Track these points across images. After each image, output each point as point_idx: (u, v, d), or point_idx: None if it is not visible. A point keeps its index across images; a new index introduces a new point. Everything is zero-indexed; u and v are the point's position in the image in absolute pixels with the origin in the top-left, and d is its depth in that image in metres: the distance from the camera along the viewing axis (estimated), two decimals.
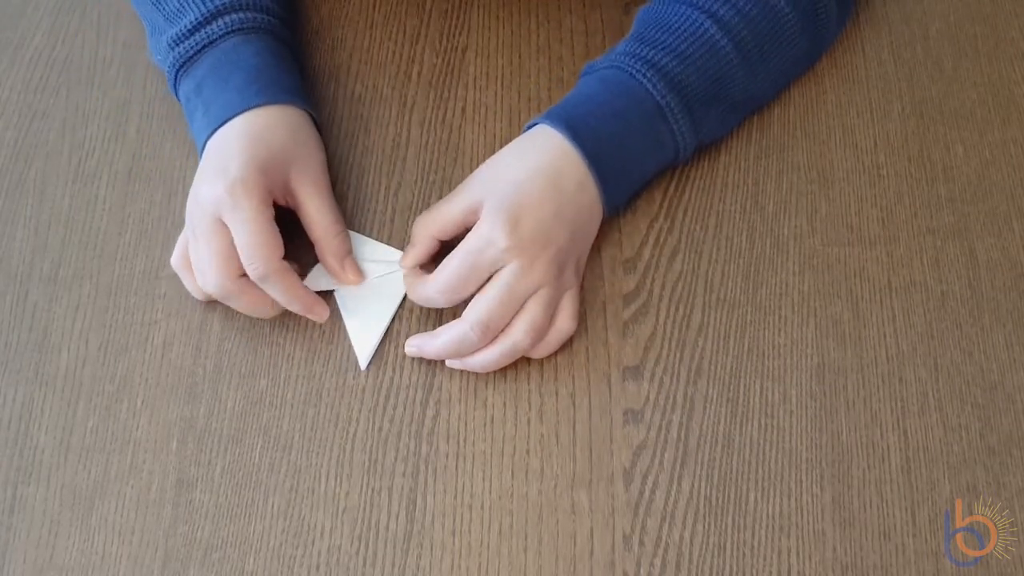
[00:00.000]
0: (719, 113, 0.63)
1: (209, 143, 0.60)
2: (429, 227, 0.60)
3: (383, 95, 0.69)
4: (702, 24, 0.61)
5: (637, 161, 0.61)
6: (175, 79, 0.64)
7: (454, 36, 0.71)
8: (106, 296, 0.63)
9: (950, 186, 0.64)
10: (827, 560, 0.54)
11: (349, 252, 0.61)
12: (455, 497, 0.56)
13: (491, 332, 0.57)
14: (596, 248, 0.63)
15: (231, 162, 0.57)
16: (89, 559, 0.56)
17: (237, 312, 0.61)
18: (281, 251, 0.57)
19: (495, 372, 0.59)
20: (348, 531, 0.56)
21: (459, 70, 0.70)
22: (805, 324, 0.60)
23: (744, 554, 0.54)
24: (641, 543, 0.55)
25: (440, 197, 0.65)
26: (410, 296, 0.60)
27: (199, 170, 0.60)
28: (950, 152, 0.65)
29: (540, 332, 0.57)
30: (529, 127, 0.61)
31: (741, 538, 0.55)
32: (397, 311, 0.61)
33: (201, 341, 0.61)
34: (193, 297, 0.62)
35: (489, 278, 0.57)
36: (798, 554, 0.54)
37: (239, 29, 0.62)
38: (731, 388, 0.58)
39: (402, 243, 0.64)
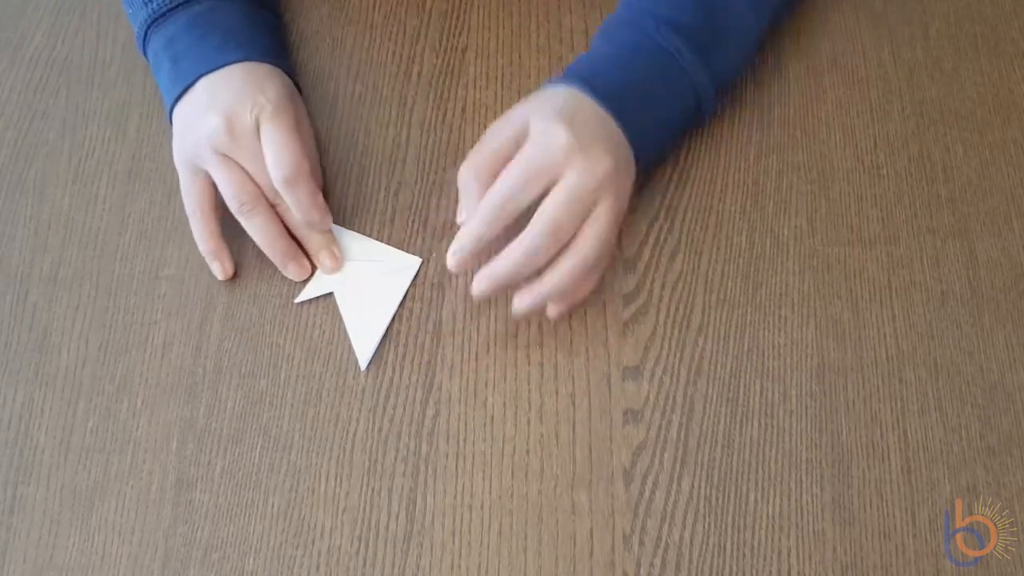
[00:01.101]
0: (732, 48, 0.63)
1: (208, 81, 0.61)
2: (480, 168, 0.56)
3: (383, 95, 0.69)
4: None
5: (656, 106, 0.60)
6: (145, 34, 0.65)
7: (454, 36, 0.71)
8: (106, 296, 0.63)
9: (950, 186, 0.64)
10: (827, 560, 0.54)
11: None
12: (455, 497, 0.56)
13: (562, 237, 0.54)
14: None
15: (266, 84, 0.61)
16: (89, 559, 0.56)
17: (237, 312, 0.62)
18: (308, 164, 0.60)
19: (495, 372, 0.59)
20: (348, 531, 0.56)
21: (459, 70, 0.70)
22: (805, 324, 0.60)
23: (744, 554, 0.54)
24: (641, 543, 0.55)
25: (440, 197, 0.65)
26: (462, 240, 0.55)
27: (201, 109, 0.60)
28: (950, 152, 0.65)
29: (608, 245, 0.56)
30: (544, 86, 0.60)
31: (741, 538, 0.55)
32: (397, 311, 0.61)
33: (201, 341, 0.61)
34: (193, 297, 0.62)
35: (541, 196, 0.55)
36: (798, 554, 0.54)
37: None
38: (731, 388, 0.58)
39: (402, 243, 0.64)
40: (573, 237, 0.55)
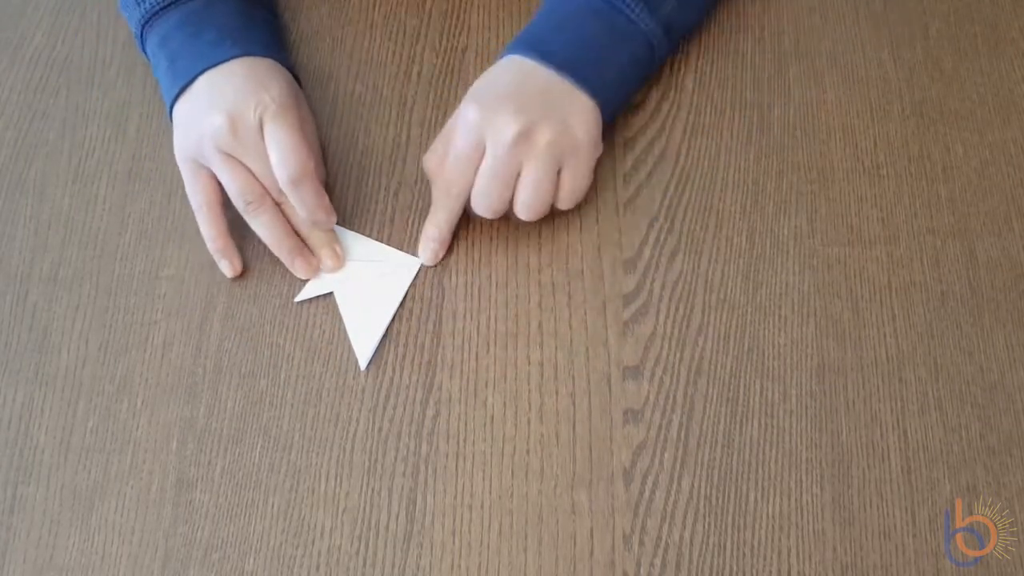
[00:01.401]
0: None
1: (209, 76, 0.61)
2: (436, 160, 0.61)
3: (383, 95, 0.69)
4: None
5: (606, 57, 0.62)
6: (141, 33, 0.65)
7: (454, 36, 0.71)
8: (106, 296, 0.63)
9: (950, 186, 0.64)
10: (827, 560, 0.54)
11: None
12: (455, 497, 0.56)
13: (496, 204, 0.60)
14: (596, 248, 0.63)
15: (269, 83, 0.60)
16: (89, 559, 0.56)
17: (237, 312, 0.62)
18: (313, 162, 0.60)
19: (495, 372, 0.59)
20: (348, 531, 0.56)
21: (459, 70, 0.70)
22: (805, 324, 0.60)
23: (744, 554, 0.54)
24: (641, 543, 0.55)
25: None
26: (427, 233, 0.62)
27: (205, 105, 0.60)
28: (950, 152, 0.65)
29: (539, 207, 0.60)
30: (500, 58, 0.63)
31: (741, 538, 0.55)
32: (397, 311, 0.61)
33: (201, 341, 0.61)
34: (193, 297, 0.62)
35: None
36: (798, 554, 0.54)
37: None
38: (731, 388, 0.58)
39: (402, 243, 0.64)
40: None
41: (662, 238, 0.63)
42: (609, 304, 0.61)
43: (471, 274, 0.63)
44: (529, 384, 0.59)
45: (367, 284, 0.62)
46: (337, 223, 0.64)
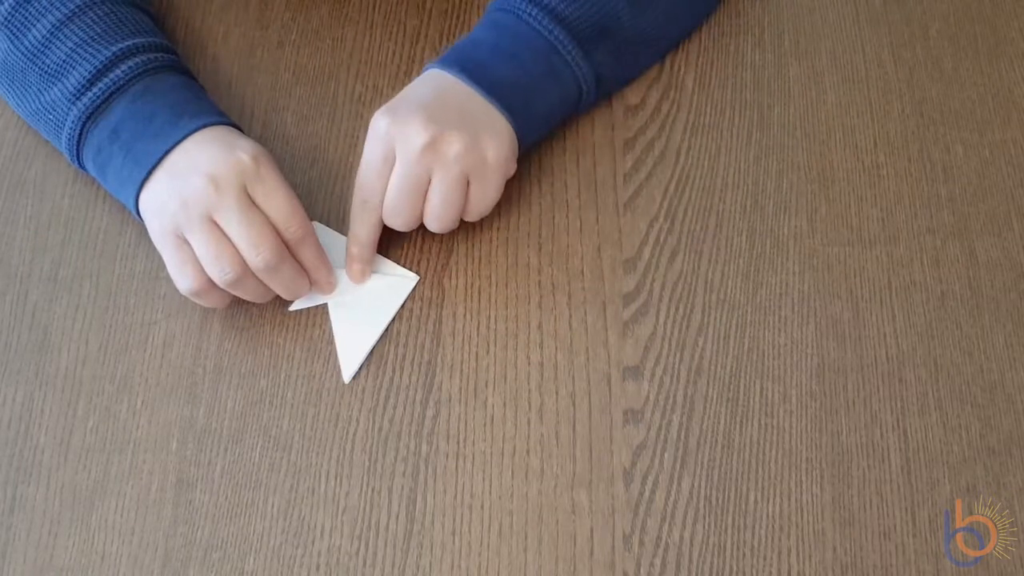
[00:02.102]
0: (612, 48, 0.64)
1: (174, 159, 0.58)
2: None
3: (383, 95, 0.69)
4: None
5: (539, 95, 0.62)
6: (80, 133, 0.61)
7: (454, 36, 0.71)
8: (106, 296, 0.63)
9: (950, 186, 0.64)
10: (827, 560, 0.54)
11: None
12: (455, 497, 0.56)
13: (407, 216, 0.60)
14: (596, 248, 0.63)
15: (238, 141, 0.58)
16: (89, 559, 0.56)
17: (237, 312, 0.62)
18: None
19: (495, 372, 0.59)
20: (348, 531, 0.56)
21: None
22: (805, 324, 0.60)
23: (744, 554, 0.54)
24: (641, 543, 0.55)
25: None
26: (350, 251, 0.61)
27: (180, 174, 0.57)
28: (950, 152, 0.65)
29: (450, 207, 0.59)
30: (425, 71, 0.62)
31: (741, 538, 0.55)
32: (388, 327, 0.61)
33: (201, 341, 0.61)
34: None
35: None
36: (798, 554, 0.54)
37: (145, 71, 0.61)
38: (731, 388, 0.58)
39: (400, 241, 0.64)
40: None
41: (662, 238, 0.63)
42: (609, 304, 0.61)
43: (471, 274, 0.63)
44: (529, 384, 0.59)
45: (361, 298, 0.62)
46: (337, 223, 0.64)
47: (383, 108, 0.59)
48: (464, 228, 0.64)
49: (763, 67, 0.69)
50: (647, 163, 0.65)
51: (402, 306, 0.62)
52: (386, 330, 0.61)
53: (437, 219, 0.60)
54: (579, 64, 0.62)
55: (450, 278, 0.63)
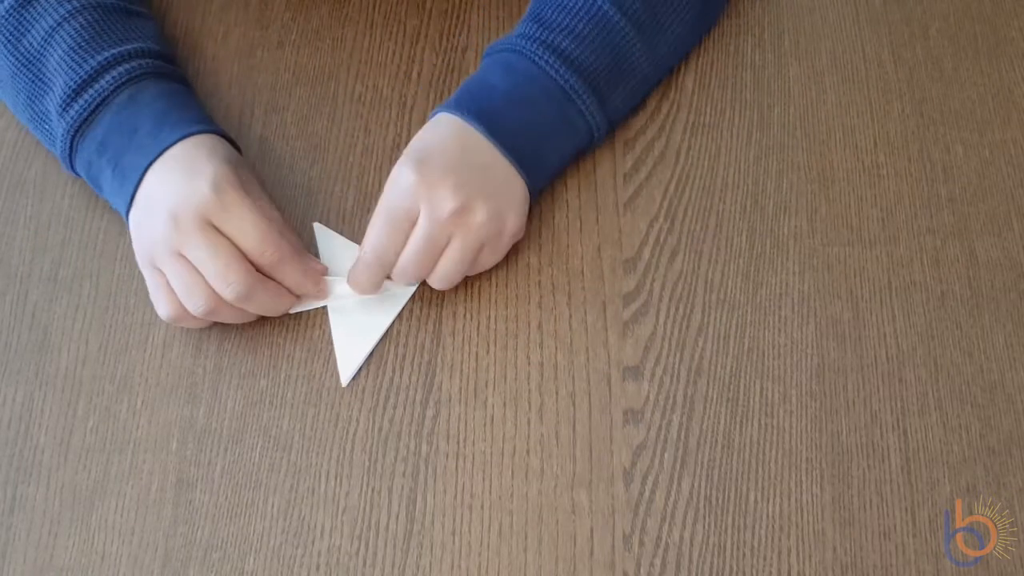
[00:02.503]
0: (626, 90, 0.63)
1: (148, 181, 0.58)
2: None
3: (383, 95, 0.69)
4: (596, 2, 0.61)
5: (552, 145, 0.61)
6: (71, 144, 0.61)
7: (454, 36, 0.71)
8: (106, 296, 0.63)
9: (950, 186, 0.64)
10: (827, 560, 0.54)
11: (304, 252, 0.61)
12: (455, 497, 0.56)
13: (420, 276, 0.59)
14: (596, 248, 0.63)
15: (200, 172, 0.56)
16: (89, 559, 0.56)
17: None
18: (282, 233, 0.58)
19: (495, 372, 0.59)
20: (348, 531, 0.56)
21: (459, 70, 0.70)
22: (805, 324, 0.60)
23: (744, 554, 0.54)
24: (641, 543, 0.55)
25: None
26: (351, 285, 0.60)
27: (146, 209, 0.58)
28: (950, 152, 0.65)
29: (456, 275, 0.59)
30: (432, 116, 0.61)
31: (741, 538, 0.55)
32: (388, 331, 0.61)
33: (201, 341, 0.61)
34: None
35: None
36: (798, 554, 0.54)
37: (128, 80, 0.61)
38: (731, 388, 0.58)
39: None
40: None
41: (662, 238, 0.63)
42: (609, 304, 0.61)
43: (469, 276, 0.63)
44: (529, 384, 0.59)
45: (361, 301, 0.62)
46: (337, 223, 0.64)
47: (411, 161, 0.57)
48: None
49: (763, 67, 0.69)
50: (647, 163, 0.65)
51: (401, 308, 0.62)
52: (385, 333, 0.61)
53: (445, 280, 0.59)
54: (593, 114, 0.61)
55: None
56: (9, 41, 0.63)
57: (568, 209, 0.64)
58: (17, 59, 0.62)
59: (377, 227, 0.58)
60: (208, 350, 0.61)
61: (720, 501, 0.56)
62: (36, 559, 0.56)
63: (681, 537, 0.55)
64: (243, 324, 0.61)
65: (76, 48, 0.61)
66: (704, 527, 0.55)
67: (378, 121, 0.68)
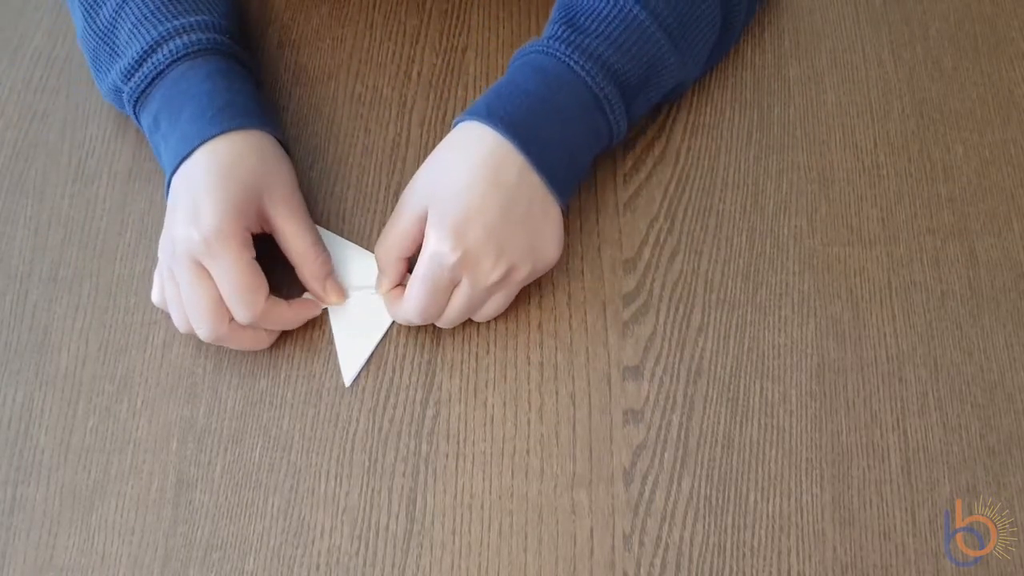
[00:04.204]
0: (647, 100, 0.62)
1: (174, 181, 0.58)
2: (390, 251, 0.58)
3: (383, 95, 0.69)
4: (631, 10, 0.58)
5: (577, 153, 0.59)
6: (135, 116, 0.62)
7: (454, 36, 0.71)
8: (106, 296, 0.63)
9: (950, 186, 0.64)
10: (827, 560, 0.54)
11: (330, 273, 0.60)
12: (455, 497, 0.56)
13: (447, 322, 0.59)
14: (596, 248, 0.63)
15: (203, 207, 0.55)
16: (89, 559, 0.56)
17: None
18: (266, 291, 0.57)
19: (495, 372, 0.59)
20: (348, 531, 0.56)
21: (459, 70, 0.70)
22: (805, 324, 0.60)
23: (744, 554, 0.54)
24: (641, 543, 0.55)
25: None
26: (393, 318, 0.60)
27: (169, 209, 0.58)
28: (950, 152, 0.65)
29: (494, 313, 0.59)
30: (459, 121, 0.58)
31: (741, 538, 0.55)
32: (388, 330, 0.61)
33: (201, 341, 0.61)
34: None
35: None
36: (798, 554, 0.54)
37: (185, 55, 0.60)
38: (731, 388, 0.58)
39: None
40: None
41: (662, 238, 0.63)
42: (609, 304, 0.61)
43: None
44: (529, 384, 0.59)
45: (361, 302, 0.62)
46: (337, 223, 0.64)
47: (449, 230, 0.54)
48: None
49: (763, 67, 0.69)
50: (647, 163, 0.65)
51: None
52: (386, 333, 0.61)
53: (483, 319, 0.60)
54: (618, 119, 0.59)
55: None
56: (89, 14, 0.63)
57: (568, 209, 0.64)
58: (96, 31, 0.63)
59: (421, 295, 0.56)
60: (208, 350, 0.61)
61: (720, 501, 0.56)
62: (36, 559, 0.56)
63: (681, 537, 0.55)
64: None
65: (144, 18, 0.61)
66: (704, 527, 0.55)
67: (378, 121, 0.68)
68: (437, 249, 0.55)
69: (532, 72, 0.58)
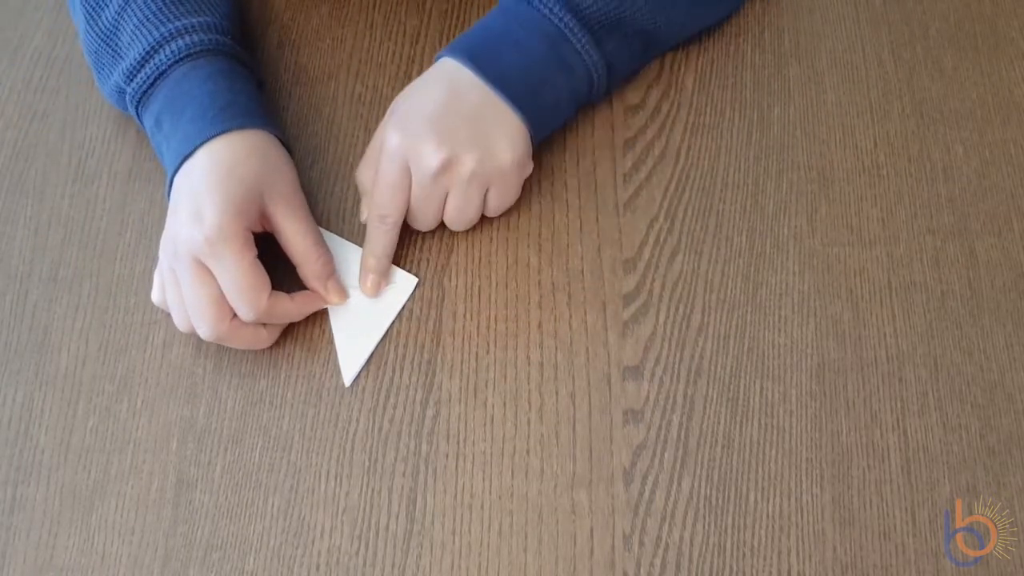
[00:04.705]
0: (623, 37, 0.63)
1: (176, 180, 0.58)
2: (368, 174, 0.61)
3: (383, 95, 0.69)
4: None
5: (549, 85, 0.61)
6: (138, 116, 0.62)
7: (454, 36, 0.71)
8: (106, 296, 0.63)
9: (950, 186, 0.64)
10: (827, 560, 0.54)
11: (332, 273, 0.61)
12: (455, 497, 0.56)
13: (432, 224, 0.61)
14: (596, 248, 0.63)
15: (205, 207, 0.56)
16: (89, 559, 0.56)
17: None
18: (268, 289, 0.57)
19: (495, 372, 0.59)
20: (348, 531, 0.56)
21: None
22: (805, 324, 0.60)
23: (744, 554, 0.54)
24: (641, 543, 0.55)
25: None
26: (366, 264, 0.61)
27: (171, 208, 0.58)
28: (950, 152, 0.65)
29: (467, 213, 0.61)
30: (436, 60, 0.62)
31: (741, 538, 0.55)
32: (388, 330, 0.61)
33: (201, 341, 0.61)
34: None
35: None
36: (798, 554, 0.54)
37: (187, 56, 0.60)
38: (731, 388, 0.58)
39: (400, 242, 0.63)
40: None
41: (662, 238, 0.63)
42: (609, 304, 0.61)
43: (471, 274, 0.63)
44: (529, 384, 0.59)
45: (360, 301, 0.62)
46: (336, 223, 0.64)
47: (393, 121, 0.59)
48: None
49: (763, 67, 0.69)
50: (647, 163, 0.66)
51: (402, 307, 0.62)
52: (386, 332, 0.61)
53: (458, 226, 0.62)
54: (589, 53, 0.61)
55: (450, 278, 0.63)
56: (91, 16, 0.64)
57: (568, 209, 0.64)
58: (98, 33, 0.63)
59: (377, 192, 0.59)
60: (208, 350, 0.61)
61: (720, 501, 0.56)
62: (36, 559, 0.56)
63: (681, 537, 0.55)
64: None
65: (145, 21, 0.61)
66: (704, 527, 0.55)
67: (378, 121, 0.68)
68: (384, 137, 0.59)
69: (497, 12, 0.62)
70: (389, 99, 0.68)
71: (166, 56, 0.60)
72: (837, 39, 0.70)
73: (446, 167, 0.58)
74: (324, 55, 0.71)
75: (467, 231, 0.63)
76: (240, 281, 0.56)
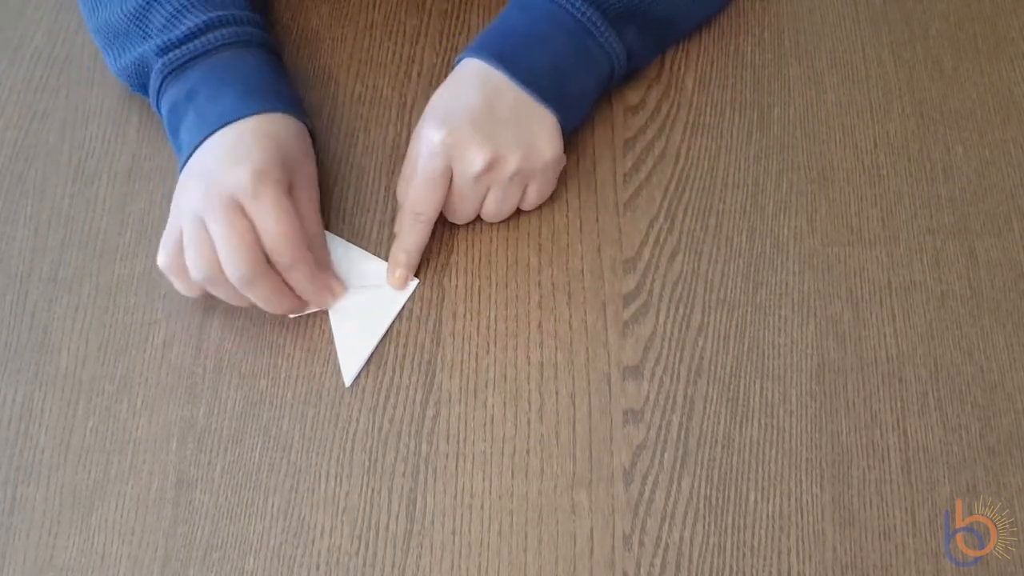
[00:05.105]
0: (641, 26, 0.64)
1: (209, 142, 0.59)
2: (405, 178, 0.62)
3: (383, 95, 0.69)
4: None
5: (575, 79, 0.62)
6: (160, 84, 0.63)
7: (454, 36, 0.71)
8: (106, 296, 0.63)
9: (950, 186, 0.64)
10: (827, 560, 0.54)
11: (327, 265, 0.62)
12: (455, 497, 0.56)
13: (469, 219, 0.63)
14: (596, 248, 0.63)
15: (250, 152, 0.57)
16: (89, 559, 0.56)
17: (237, 312, 0.62)
18: (306, 240, 0.58)
19: (495, 372, 0.59)
20: (348, 531, 0.56)
21: None
22: (805, 324, 0.60)
23: (744, 554, 0.54)
24: (641, 543, 0.55)
25: None
26: (396, 257, 0.62)
27: (200, 158, 0.58)
28: (950, 152, 0.65)
29: (504, 216, 0.63)
30: (459, 62, 0.62)
31: (741, 538, 0.55)
32: (388, 330, 0.61)
33: (201, 341, 0.61)
34: (193, 297, 0.62)
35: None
36: (798, 554, 0.54)
37: (235, 42, 0.62)
38: (731, 388, 0.58)
39: None
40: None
41: (662, 238, 0.63)
42: (609, 304, 0.61)
43: (471, 274, 0.63)
44: (529, 384, 0.59)
45: (361, 302, 0.62)
46: (336, 224, 0.64)
47: (434, 123, 0.59)
48: (464, 228, 0.64)
49: (763, 67, 0.69)
50: (647, 163, 0.66)
51: (402, 307, 0.62)
52: (386, 332, 0.61)
53: (493, 218, 0.63)
54: (612, 44, 0.62)
55: (450, 278, 0.63)
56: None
57: (568, 209, 0.64)
58: (126, 15, 0.64)
59: (415, 189, 0.60)
60: (208, 350, 0.61)
61: (720, 501, 0.56)
62: (36, 559, 0.56)
63: (681, 537, 0.55)
64: (243, 324, 0.61)
65: (187, 7, 0.62)
66: (704, 527, 0.55)
67: (378, 121, 0.68)
68: (426, 135, 0.59)
69: (517, 10, 0.63)
70: (389, 99, 0.69)
71: (215, 38, 0.62)
72: (837, 39, 0.70)
73: (491, 167, 0.59)
74: (324, 55, 0.71)
75: (467, 231, 0.63)
76: (284, 222, 0.57)
